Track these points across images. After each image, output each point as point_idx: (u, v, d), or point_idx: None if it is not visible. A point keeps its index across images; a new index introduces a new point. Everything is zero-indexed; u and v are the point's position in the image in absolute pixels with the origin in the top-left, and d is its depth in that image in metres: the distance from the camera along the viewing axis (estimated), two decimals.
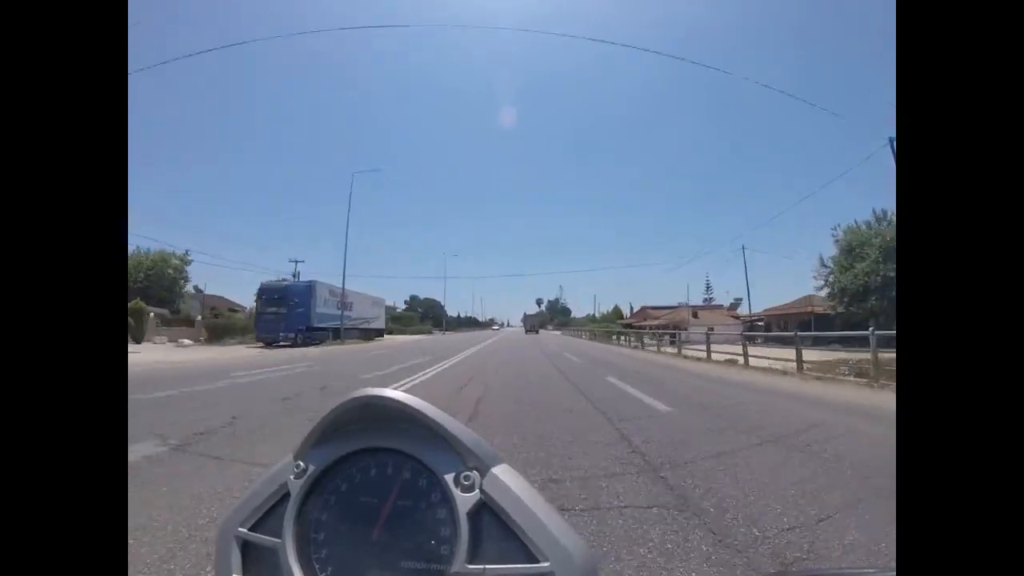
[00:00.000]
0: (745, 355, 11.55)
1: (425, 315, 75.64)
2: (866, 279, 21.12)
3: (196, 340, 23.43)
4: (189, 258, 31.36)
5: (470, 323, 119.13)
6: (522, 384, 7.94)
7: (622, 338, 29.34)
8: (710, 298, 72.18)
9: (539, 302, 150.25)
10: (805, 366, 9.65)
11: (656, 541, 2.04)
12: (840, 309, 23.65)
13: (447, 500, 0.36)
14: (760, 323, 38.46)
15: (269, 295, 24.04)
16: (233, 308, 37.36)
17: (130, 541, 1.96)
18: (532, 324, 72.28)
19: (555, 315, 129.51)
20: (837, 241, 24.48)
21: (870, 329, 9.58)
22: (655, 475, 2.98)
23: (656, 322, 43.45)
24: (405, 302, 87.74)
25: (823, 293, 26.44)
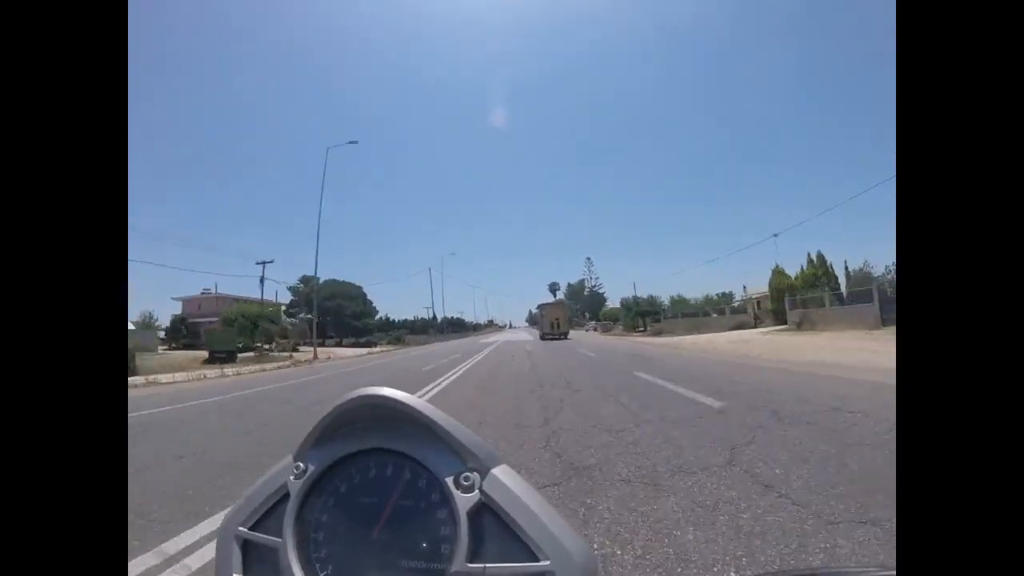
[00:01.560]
0: None
1: (332, 318, 37.81)
2: None
3: None
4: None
5: (454, 328, 75.32)
6: None
7: None
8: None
9: (554, 288, 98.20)
10: None
11: None
12: None
13: (447, 500, 0.37)
14: None
15: None
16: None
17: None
18: (553, 320, 34.88)
19: (579, 301, 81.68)
20: None
21: None
22: None
23: None
24: (292, 289, 43.03)
25: None
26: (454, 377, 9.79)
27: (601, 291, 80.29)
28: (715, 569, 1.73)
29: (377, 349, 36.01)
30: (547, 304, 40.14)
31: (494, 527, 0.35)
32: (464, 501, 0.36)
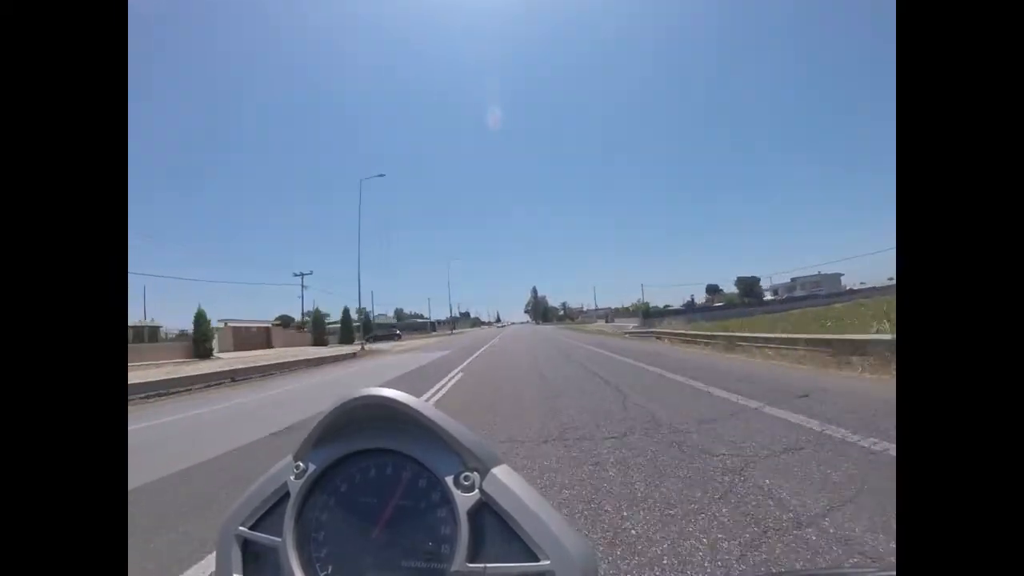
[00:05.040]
0: None
1: None
2: None
3: None
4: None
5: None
6: None
7: None
8: None
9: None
10: None
11: None
12: None
13: (447, 500, 0.37)
14: None
15: None
16: None
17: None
18: None
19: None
20: None
21: None
22: None
23: None
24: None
25: None
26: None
27: None
28: None
29: None
30: None
31: (494, 527, 0.35)
32: (464, 500, 0.36)
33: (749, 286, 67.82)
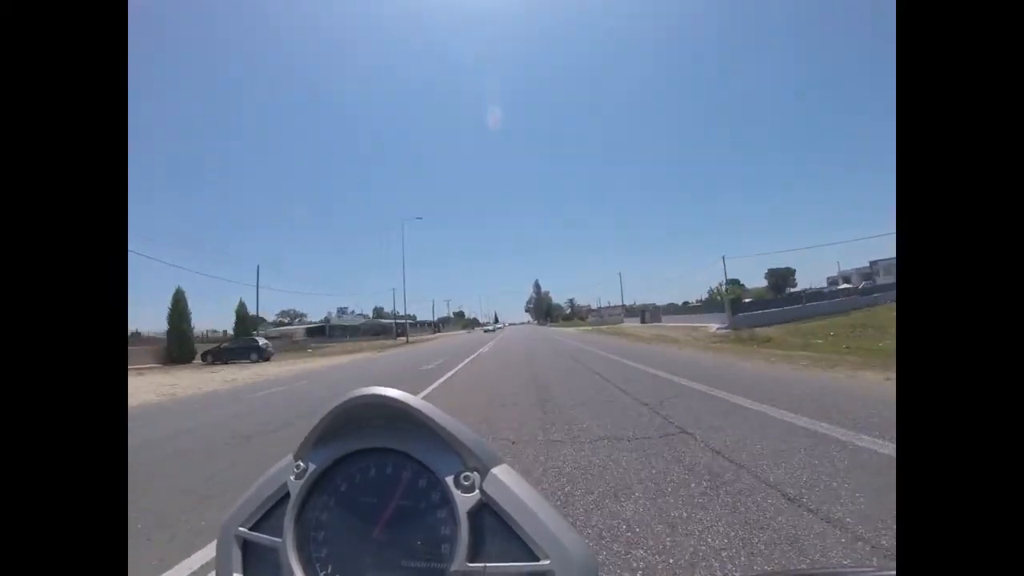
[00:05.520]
0: None
1: None
2: None
3: None
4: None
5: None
6: None
7: None
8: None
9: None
10: None
11: None
12: None
13: (447, 500, 0.37)
14: None
15: None
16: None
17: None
18: None
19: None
20: None
21: None
22: None
23: None
24: None
25: None
26: None
27: None
28: None
29: None
30: None
31: (494, 527, 0.35)
32: (464, 501, 0.36)
33: (782, 278, 58.59)
